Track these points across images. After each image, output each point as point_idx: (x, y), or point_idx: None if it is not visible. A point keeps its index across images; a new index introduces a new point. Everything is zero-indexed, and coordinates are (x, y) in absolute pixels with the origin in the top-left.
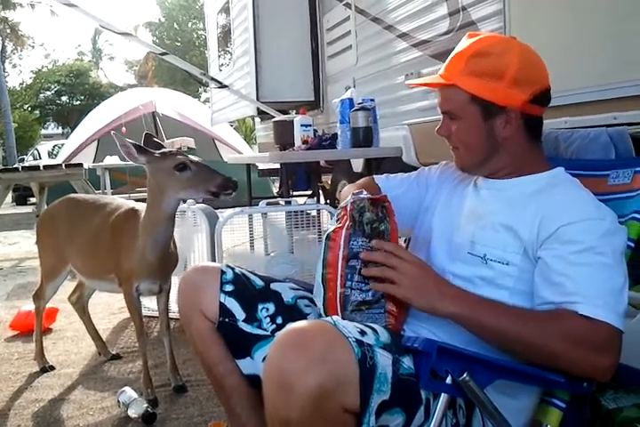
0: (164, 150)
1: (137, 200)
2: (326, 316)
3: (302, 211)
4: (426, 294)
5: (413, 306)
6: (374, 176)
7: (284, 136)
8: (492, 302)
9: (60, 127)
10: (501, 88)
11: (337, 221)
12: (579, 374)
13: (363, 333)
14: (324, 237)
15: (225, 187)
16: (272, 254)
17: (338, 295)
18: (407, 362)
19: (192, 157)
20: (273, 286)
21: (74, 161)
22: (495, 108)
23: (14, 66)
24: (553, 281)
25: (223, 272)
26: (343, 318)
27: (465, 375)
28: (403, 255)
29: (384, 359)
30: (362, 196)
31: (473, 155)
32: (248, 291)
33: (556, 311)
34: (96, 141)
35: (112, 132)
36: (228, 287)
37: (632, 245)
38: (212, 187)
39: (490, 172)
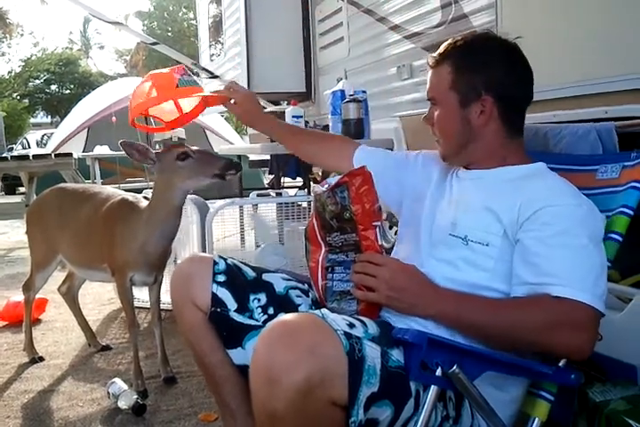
0: (165, 145)
1: (127, 190)
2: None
3: (293, 202)
4: (403, 299)
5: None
6: (359, 147)
7: None
8: (469, 297)
9: (50, 116)
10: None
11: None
12: (556, 355)
13: (351, 325)
14: (304, 232)
15: (228, 168)
16: (262, 246)
17: (320, 287)
18: (396, 355)
19: (193, 148)
20: (265, 276)
21: (63, 150)
22: (472, 95)
23: (3, 54)
24: (530, 261)
25: (215, 263)
26: (327, 308)
27: (455, 368)
28: (378, 261)
29: (373, 352)
30: (320, 190)
31: (450, 142)
32: (240, 281)
33: (531, 298)
34: (86, 130)
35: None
36: (221, 278)
37: (619, 238)
38: (215, 170)
39: (469, 161)
